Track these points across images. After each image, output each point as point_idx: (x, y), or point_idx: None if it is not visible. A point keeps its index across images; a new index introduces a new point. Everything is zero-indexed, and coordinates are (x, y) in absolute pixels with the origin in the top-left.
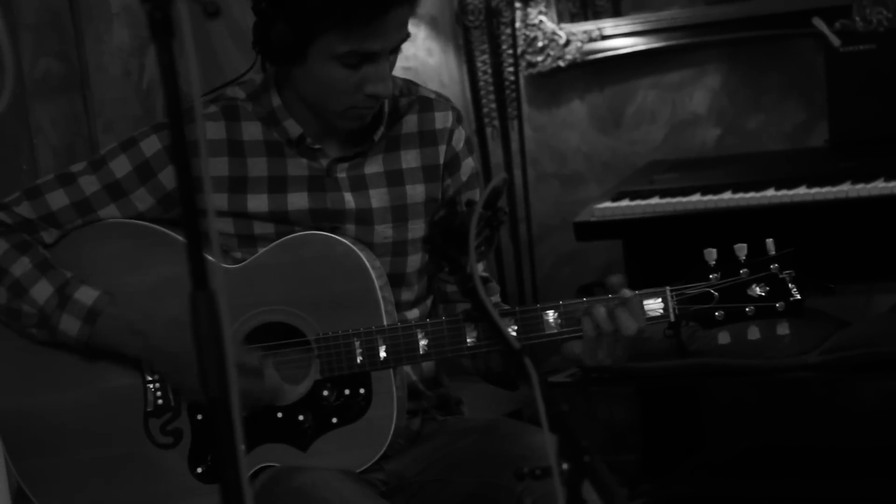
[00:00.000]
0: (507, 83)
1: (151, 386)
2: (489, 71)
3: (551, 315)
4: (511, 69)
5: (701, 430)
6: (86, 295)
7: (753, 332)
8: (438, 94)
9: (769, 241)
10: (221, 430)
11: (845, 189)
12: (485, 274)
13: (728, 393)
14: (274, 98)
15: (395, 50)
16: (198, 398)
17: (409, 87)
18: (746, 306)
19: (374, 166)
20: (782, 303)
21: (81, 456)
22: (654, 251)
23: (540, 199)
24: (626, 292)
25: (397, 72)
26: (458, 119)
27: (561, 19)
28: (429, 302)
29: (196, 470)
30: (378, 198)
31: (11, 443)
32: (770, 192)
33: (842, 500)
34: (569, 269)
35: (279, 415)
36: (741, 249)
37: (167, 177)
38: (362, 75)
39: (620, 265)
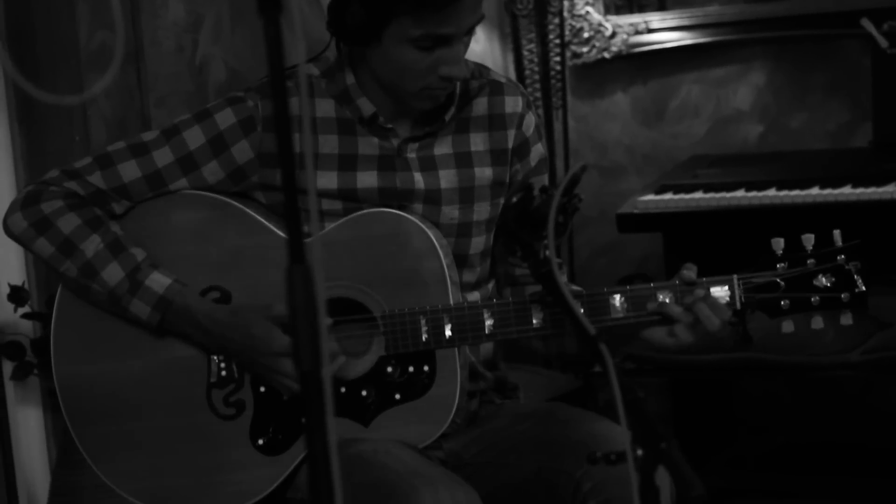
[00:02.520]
0: (552, 73)
1: (215, 357)
2: (535, 60)
3: (618, 299)
4: (557, 59)
5: (733, 423)
6: (157, 283)
7: (817, 322)
8: (509, 79)
9: (836, 232)
10: (312, 404)
11: (890, 190)
12: (558, 259)
13: (760, 388)
14: (348, 76)
15: (469, 32)
16: (276, 382)
17: (481, 70)
18: (812, 296)
19: (443, 147)
20: (847, 294)
21: (142, 424)
22: (694, 246)
23: (579, 189)
24: (692, 275)
25: None
26: (528, 105)
27: (607, 11)
28: (490, 285)
29: (257, 441)
30: (446, 179)
31: (72, 409)
32: (815, 191)
33: (872, 499)
34: (605, 260)
35: (342, 389)
36: (808, 240)
37: (239, 150)
38: (436, 58)
39: (658, 259)
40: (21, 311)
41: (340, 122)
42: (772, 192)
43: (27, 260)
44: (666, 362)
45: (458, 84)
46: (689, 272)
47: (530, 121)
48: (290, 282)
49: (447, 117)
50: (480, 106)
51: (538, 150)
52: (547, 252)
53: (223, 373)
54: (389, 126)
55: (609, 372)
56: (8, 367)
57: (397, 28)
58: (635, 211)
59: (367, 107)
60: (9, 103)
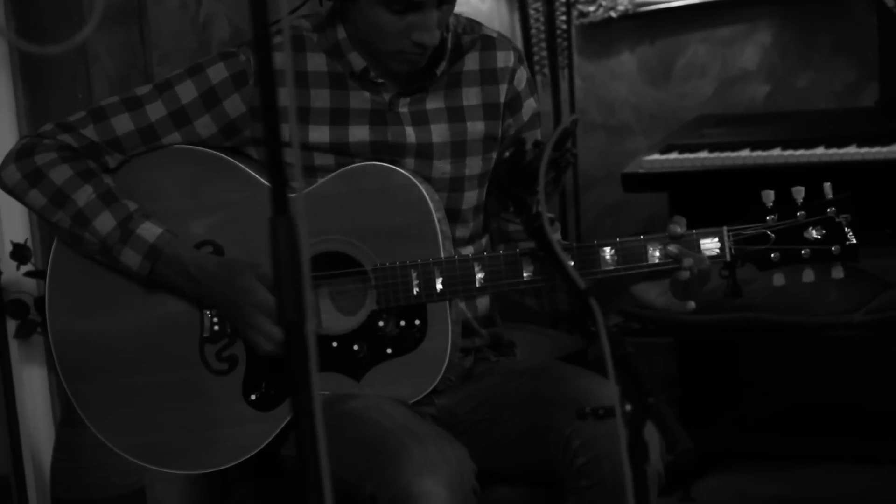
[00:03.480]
0: (558, 32)
1: (208, 312)
2: (541, 19)
3: (608, 251)
4: (563, 18)
5: (739, 384)
6: (148, 231)
7: (808, 275)
8: (501, 34)
9: (826, 184)
10: (295, 355)
11: (895, 150)
12: (550, 214)
13: (766, 349)
14: (339, 31)
15: (444, 1)
16: (254, 343)
17: (472, 25)
18: (802, 248)
19: (435, 102)
20: (838, 246)
21: (136, 379)
22: (700, 205)
23: (586, 149)
24: (677, 228)
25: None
26: (520, 59)
27: None
28: (484, 240)
29: (250, 397)
30: (438, 133)
31: (67, 364)
32: (820, 150)
33: (878, 460)
34: (612, 220)
35: (334, 344)
36: (798, 192)
37: (231, 105)
38: (408, 22)
39: (664, 218)
40: (24, 268)
41: (332, 76)
42: (776, 151)
43: (30, 218)
44: (670, 322)
45: (450, 39)
46: (678, 226)
47: (522, 75)
48: (273, 233)
49: (438, 72)
50: (472, 61)
51: (530, 104)
52: (538, 206)
53: (216, 328)
54: (381, 80)
55: (599, 326)
56: (12, 325)
57: None
58: (640, 170)
59: (357, 61)
60: (12, 61)
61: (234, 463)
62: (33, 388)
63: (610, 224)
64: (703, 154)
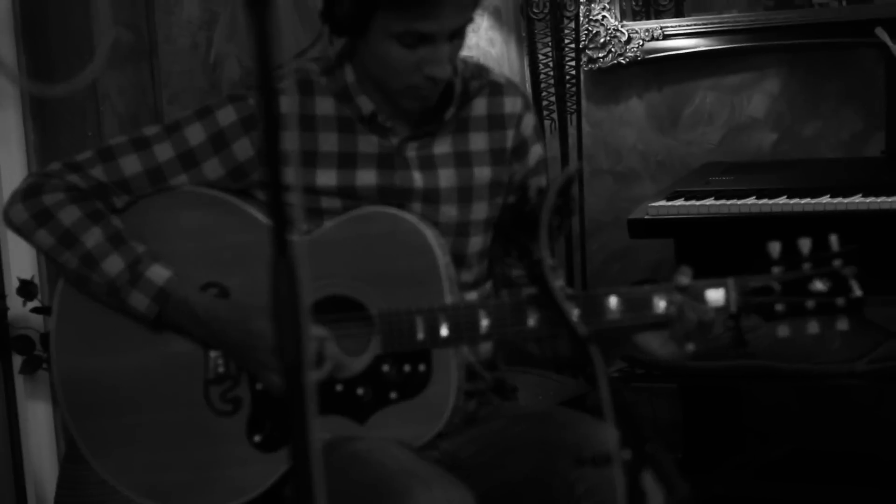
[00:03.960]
0: (567, 77)
1: (213, 353)
2: (550, 64)
3: (613, 301)
4: (572, 63)
5: (742, 431)
6: (157, 275)
7: (813, 327)
8: (509, 80)
9: (833, 237)
10: (293, 398)
11: None
12: (552, 262)
13: (771, 395)
14: (348, 74)
15: (458, 34)
16: (266, 379)
17: (481, 70)
18: (807, 301)
19: (442, 146)
20: (843, 299)
21: (140, 419)
22: (706, 252)
23: (594, 194)
24: (684, 279)
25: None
26: (528, 105)
27: (624, 17)
28: (488, 285)
29: (254, 438)
30: (446, 178)
31: (72, 403)
32: (825, 199)
33: None
34: (619, 265)
35: (338, 387)
36: (805, 244)
37: (240, 148)
38: (420, 56)
39: (671, 264)
40: (30, 304)
41: (340, 120)
42: (782, 200)
43: (37, 255)
44: (673, 368)
45: (458, 83)
46: (684, 276)
47: (529, 121)
48: (274, 274)
49: (447, 117)
50: (480, 106)
51: (537, 150)
52: (541, 253)
53: (220, 369)
54: (389, 125)
55: (598, 374)
56: (17, 361)
57: (381, 22)
58: (646, 216)
59: (366, 105)
60: (22, 98)
61: (237, 503)
62: (38, 423)
63: (617, 269)
64: (709, 201)
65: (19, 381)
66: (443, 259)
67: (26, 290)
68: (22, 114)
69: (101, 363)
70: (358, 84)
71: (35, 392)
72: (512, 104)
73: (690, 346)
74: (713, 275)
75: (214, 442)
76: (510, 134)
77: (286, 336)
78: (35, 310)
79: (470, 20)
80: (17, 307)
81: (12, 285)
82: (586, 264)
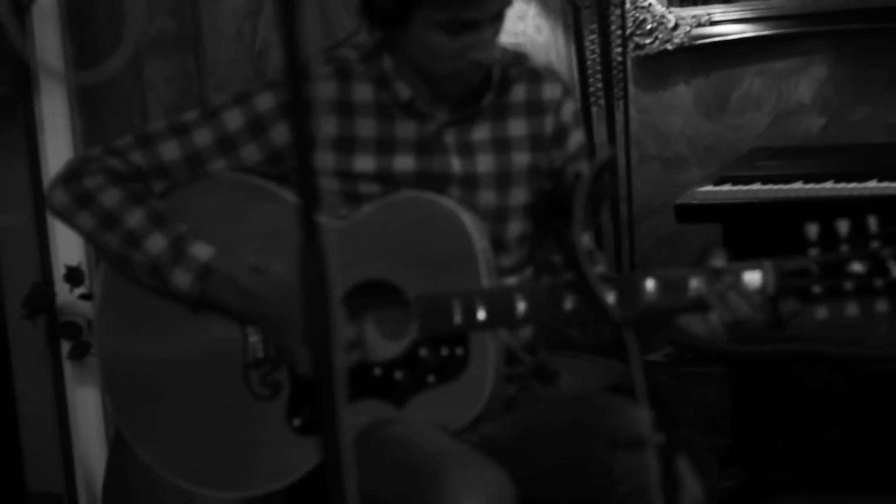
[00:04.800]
0: (614, 64)
1: (252, 338)
2: (597, 51)
3: (650, 283)
4: (619, 50)
5: (792, 414)
6: (200, 251)
7: (852, 309)
8: (548, 67)
9: (871, 218)
10: (323, 383)
11: None
12: (590, 245)
13: (821, 379)
14: (386, 60)
15: (498, 17)
16: (296, 362)
17: (519, 57)
18: (845, 282)
19: (481, 132)
20: (881, 280)
21: (180, 404)
22: (754, 236)
23: (642, 180)
24: (719, 262)
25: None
26: (567, 91)
27: (671, 3)
28: (528, 271)
29: (293, 422)
30: (484, 163)
31: (114, 388)
32: (872, 184)
33: None
34: (667, 250)
35: (376, 371)
36: (843, 226)
37: (278, 134)
38: (464, 42)
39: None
40: (77, 291)
41: (378, 106)
42: (829, 184)
43: (84, 241)
44: (722, 353)
45: (497, 70)
46: (718, 259)
47: (568, 107)
48: (302, 260)
49: (485, 103)
50: (519, 92)
51: (577, 136)
52: (576, 238)
53: (259, 353)
54: (427, 110)
55: (632, 358)
56: (66, 346)
57: (424, 13)
58: (693, 202)
59: (404, 91)
60: (69, 88)
61: (278, 487)
62: (87, 408)
63: (665, 254)
64: (756, 186)
65: (68, 367)
66: (480, 243)
67: (73, 276)
68: (69, 103)
69: (142, 348)
70: (396, 70)
71: (83, 377)
72: (551, 90)
73: (729, 329)
74: (762, 258)
75: (254, 426)
76: (549, 120)
77: (315, 321)
78: (82, 296)
79: (510, 2)
80: (65, 294)
81: (60, 272)
82: (635, 249)
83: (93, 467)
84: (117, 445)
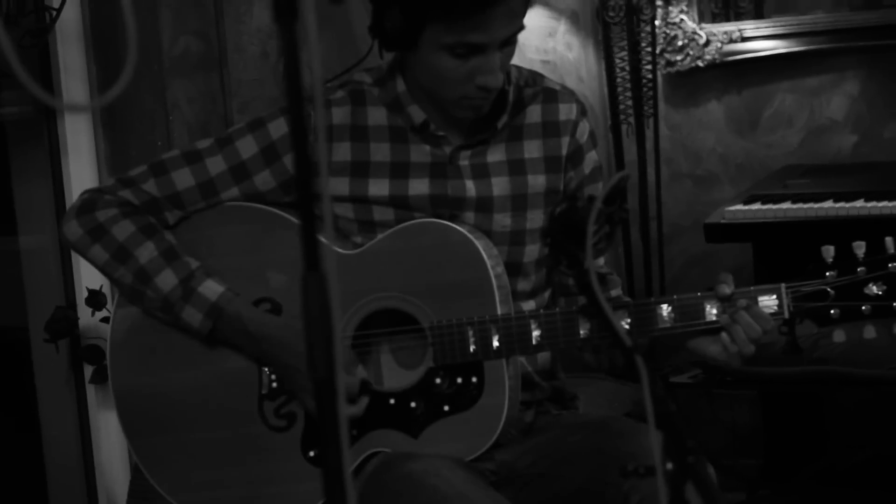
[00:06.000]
0: (644, 81)
1: (267, 369)
2: (627, 68)
3: (665, 309)
4: (649, 67)
5: (824, 435)
6: (210, 290)
7: (869, 332)
8: (563, 87)
9: (889, 239)
10: (325, 413)
11: None
12: (604, 269)
13: (852, 399)
14: (399, 84)
15: (508, 42)
16: (307, 405)
17: (535, 77)
18: (862, 305)
19: (496, 154)
20: None
21: (196, 435)
22: (784, 256)
23: (673, 198)
24: (725, 288)
25: (533, 64)
26: (583, 112)
27: (702, 19)
28: (546, 294)
29: (308, 453)
30: (499, 186)
31: (129, 420)
32: None
33: None
34: (698, 270)
35: (392, 401)
36: (859, 247)
37: (291, 160)
38: (471, 66)
39: (750, 269)
40: (99, 314)
41: (392, 130)
42: (859, 203)
43: None
44: (752, 374)
45: (512, 91)
46: (725, 285)
47: (584, 128)
48: (304, 289)
49: (500, 125)
50: (534, 113)
51: (592, 157)
52: (587, 262)
53: (274, 384)
54: (441, 134)
55: (643, 384)
56: (88, 370)
57: (432, 34)
58: (722, 221)
59: (417, 114)
60: (93, 108)
61: None
62: (109, 432)
63: (696, 274)
64: (786, 205)
65: (90, 391)
66: (494, 270)
67: (95, 300)
68: (92, 124)
69: (156, 379)
70: (409, 94)
71: (106, 401)
72: (567, 111)
73: (745, 352)
74: (793, 278)
75: (269, 457)
76: (565, 141)
77: (317, 352)
78: (104, 320)
79: (520, 28)
80: (87, 317)
81: (82, 295)
82: (665, 269)
83: (115, 492)
84: (139, 470)
